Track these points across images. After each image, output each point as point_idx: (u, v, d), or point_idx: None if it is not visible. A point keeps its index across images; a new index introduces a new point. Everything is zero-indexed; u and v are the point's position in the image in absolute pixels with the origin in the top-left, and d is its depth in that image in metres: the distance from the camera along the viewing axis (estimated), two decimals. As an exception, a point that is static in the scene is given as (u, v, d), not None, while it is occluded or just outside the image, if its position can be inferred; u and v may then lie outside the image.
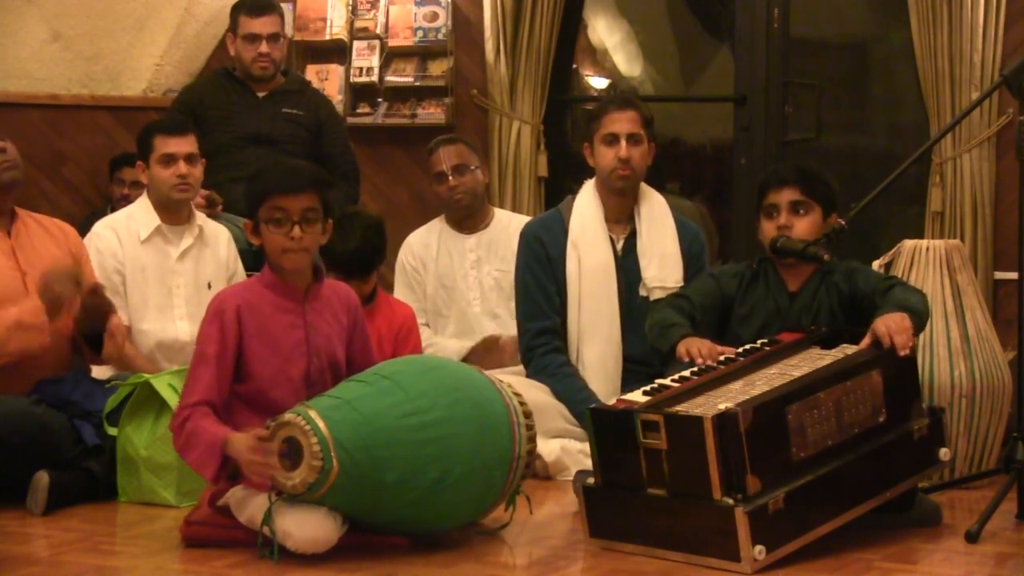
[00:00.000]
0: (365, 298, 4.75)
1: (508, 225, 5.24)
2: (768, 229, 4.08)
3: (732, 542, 3.36)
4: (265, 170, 3.79)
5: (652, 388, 3.69)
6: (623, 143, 4.68)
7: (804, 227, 4.05)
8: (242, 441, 3.46)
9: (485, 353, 5.12)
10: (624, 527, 3.57)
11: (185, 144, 4.93)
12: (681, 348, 3.90)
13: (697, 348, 3.85)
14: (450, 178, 5.28)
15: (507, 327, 5.17)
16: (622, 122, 4.69)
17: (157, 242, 4.94)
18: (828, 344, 3.91)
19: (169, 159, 4.88)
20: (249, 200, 3.71)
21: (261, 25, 5.67)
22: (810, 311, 4.06)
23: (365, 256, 4.65)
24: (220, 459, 3.50)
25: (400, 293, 5.32)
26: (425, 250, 5.36)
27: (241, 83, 5.75)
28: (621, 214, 4.81)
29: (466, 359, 5.04)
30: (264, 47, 5.66)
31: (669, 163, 6.58)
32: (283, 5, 6.31)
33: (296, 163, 4.01)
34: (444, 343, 5.17)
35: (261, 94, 5.74)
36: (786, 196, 4.06)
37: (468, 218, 5.34)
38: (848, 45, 6.53)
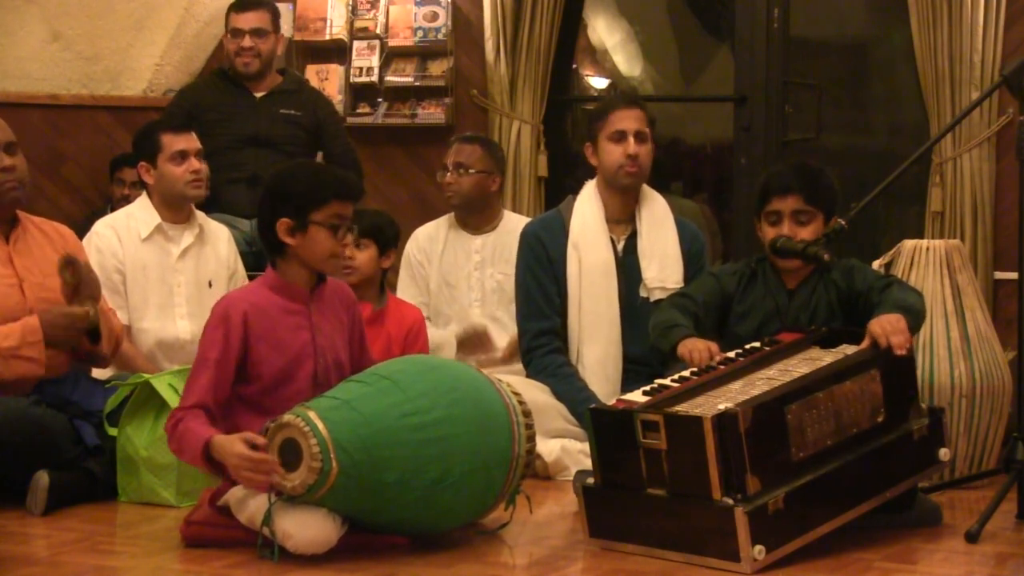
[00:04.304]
0: (380, 289, 4.76)
1: (515, 228, 5.14)
2: (770, 234, 4.07)
3: (732, 542, 3.36)
4: (317, 171, 3.78)
5: (652, 388, 3.69)
6: (631, 140, 4.68)
7: (806, 236, 4.03)
8: (227, 445, 3.46)
9: (475, 344, 5.10)
10: (624, 527, 3.57)
11: (193, 140, 4.97)
12: (681, 349, 3.90)
13: (698, 351, 3.84)
14: (448, 174, 5.28)
15: (507, 329, 5.16)
16: (629, 119, 4.69)
17: (158, 241, 4.94)
18: (828, 344, 3.91)
19: (182, 156, 4.90)
20: (300, 199, 3.64)
21: (245, 20, 5.70)
22: (808, 309, 4.06)
23: (384, 221, 4.77)
24: (208, 463, 3.51)
25: (403, 284, 5.31)
26: (431, 244, 5.35)
27: (237, 84, 5.76)
28: (622, 214, 4.81)
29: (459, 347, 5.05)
30: (246, 41, 5.68)
31: (669, 163, 6.58)
32: (283, 5, 6.31)
33: (338, 170, 4.00)
34: (433, 332, 5.14)
35: (258, 95, 5.75)
36: (789, 205, 4.04)
37: (471, 217, 5.33)
38: (848, 45, 6.54)
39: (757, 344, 3.93)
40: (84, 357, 4.34)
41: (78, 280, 4.21)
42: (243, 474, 3.44)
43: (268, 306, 3.69)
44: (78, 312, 4.20)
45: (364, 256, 4.70)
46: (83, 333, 4.22)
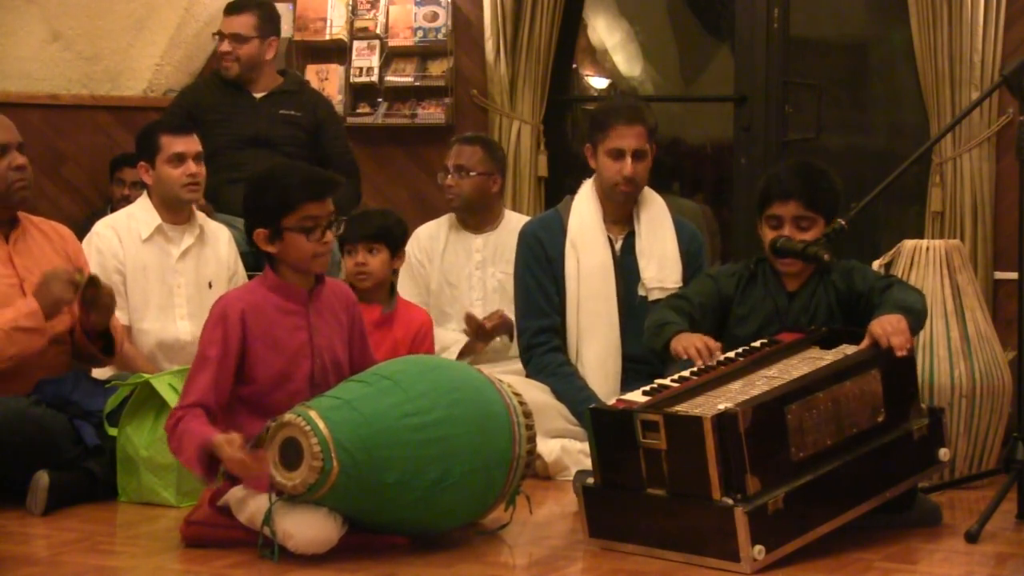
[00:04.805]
0: (390, 291, 4.75)
1: (516, 228, 5.10)
2: (770, 236, 4.06)
3: (731, 542, 3.36)
4: (282, 177, 3.72)
5: (651, 388, 3.69)
6: (628, 160, 4.66)
7: (808, 239, 4.02)
8: (224, 446, 3.44)
9: (476, 342, 5.09)
10: (624, 527, 3.57)
11: (192, 143, 4.95)
12: (676, 345, 3.88)
13: (693, 344, 3.84)
14: (449, 176, 5.28)
15: (507, 329, 5.17)
16: (629, 138, 4.66)
17: (158, 241, 4.94)
18: (828, 344, 3.91)
19: (179, 158, 4.89)
20: (269, 209, 3.65)
21: (227, 24, 5.73)
22: (808, 312, 4.05)
23: (392, 222, 4.75)
24: (204, 460, 3.50)
25: (403, 284, 5.30)
26: (432, 244, 5.35)
27: (236, 85, 5.75)
28: (620, 215, 4.81)
29: (463, 351, 5.04)
30: (225, 46, 5.71)
31: (669, 163, 6.58)
32: (283, 5, 6.31)
33: (311, 168, 3.96)
34: (443, 333, 5.14)
35: (258, 95, 5.75)
36: (790, 210, 4.01)
37: (472, 218, 5.33)
38: (848, 45, 6.54)
39: (757, 344, 3.93)
40: (86, 358, 4.35)
41: (97, 296, 4.22)
42: (241, 471, 3.45)
43: (265, 306, 3.69)
44: (63, 269, 4.21)
45: (377, 261, 4.69)
46: (75, 285, 4.20)
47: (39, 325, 4.15)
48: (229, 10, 5.77)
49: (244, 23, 5.72)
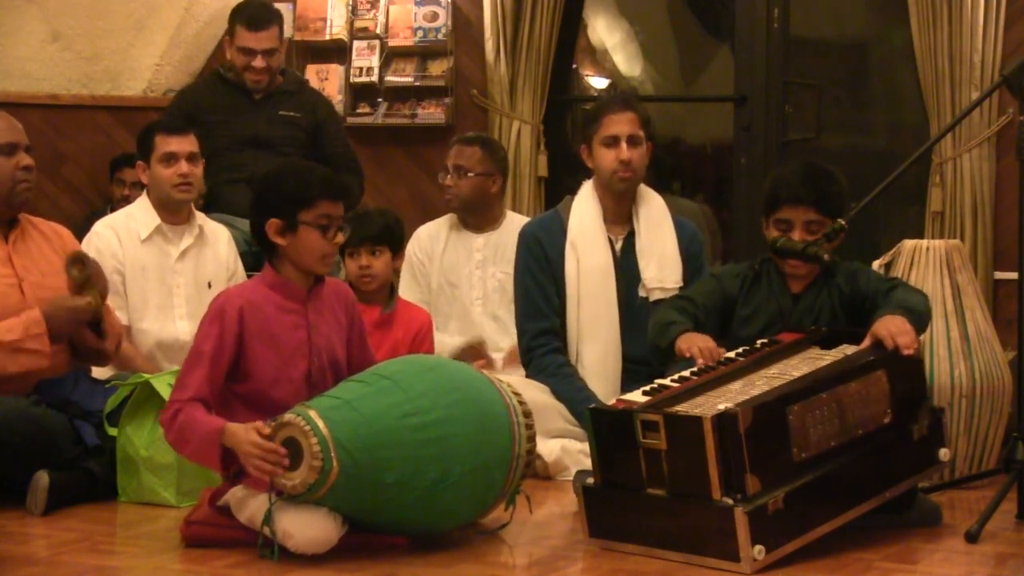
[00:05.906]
0: (390, 291, 4.75)
1: (518, 228, 5.07)
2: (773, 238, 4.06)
3: (731, 542, 3.36)
4: (304, 171, 3.74)
5: (652, 388, 3.69)
6: (623, 145, 4.67)
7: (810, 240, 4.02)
8: (241, 432, 3.45)
9: (471, 357, 5.10)
10: (624, 527, 3.57)
11: (186, 143, 4.94)
12: (681, 343, 3.88)
13: (697, 345, 3.84)
14: (448, 176, 5.28)
15: (508, 329, 5.15)
16: (621, 124, 4.68)
17: (157, 242, 4.94)
18: (828, 344, 3.90)
19: (171, 158, 4.89)
20: (289, 199, 3.64)
21: (258, 40, 5.62)
22: (812, 314, 4.04)
23: (391, 221, 4.73)
24: (219, 449, 3.49)
25: (405, 284, 5.30)
26: (432, 243, 5.35)
27: (236, 86, 5.74)
28: (620, 215, 4.81)
29: (457, 357, 5.03)
30: (259, 62, 5.62)
31: (669, 163, 6.58)
32: (283, 5, 6.30)
33: (326, 169, 3.98)
34: (440, 338, 5.15)
35: (257, 96, 5.73)
36: (802, 215, 3.99)
37: (472, 217, 5.33)
38: (848, 45, 6.54)
39: (757, 344, 3.92)
40: (88, 354, 4.35)
41: (86, 276, 4.23)
42: (253, 462, 3.43)
43: (264, 304, 3.68)
44: (80, 302, 4.22)
45: (381, 262, 4.68)
46: (86, 323, 4.23)
47: (43, 347, 4.14)
48: (255, 25, 5.60)
49: (272, 36, 5.64)
